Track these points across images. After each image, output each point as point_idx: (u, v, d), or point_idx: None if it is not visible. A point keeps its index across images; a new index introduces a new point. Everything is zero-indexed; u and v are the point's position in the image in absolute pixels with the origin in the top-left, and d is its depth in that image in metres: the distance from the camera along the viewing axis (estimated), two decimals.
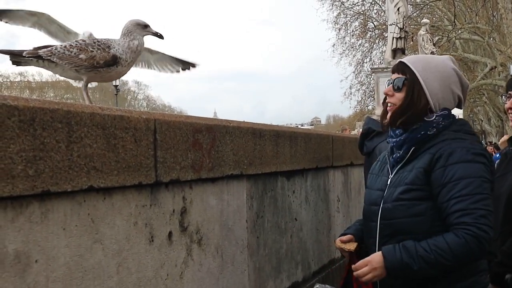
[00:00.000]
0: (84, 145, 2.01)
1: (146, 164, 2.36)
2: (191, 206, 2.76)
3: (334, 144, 5.04)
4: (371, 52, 37.26)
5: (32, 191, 1.79)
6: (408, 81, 2.65)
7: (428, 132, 2.62)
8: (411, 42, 25.82)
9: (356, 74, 37.71)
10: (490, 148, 17.60)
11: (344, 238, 2.92)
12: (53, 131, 1.87)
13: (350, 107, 40.27)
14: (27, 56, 2.86)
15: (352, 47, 37.43)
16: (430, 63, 2.70)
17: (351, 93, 37.96)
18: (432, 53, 23.27)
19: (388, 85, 2.75)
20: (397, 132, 2.72)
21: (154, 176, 2.41)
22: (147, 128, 2.38)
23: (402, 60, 2.76)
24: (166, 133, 2.51)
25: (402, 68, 2.71)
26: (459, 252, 2.40)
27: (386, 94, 2.74)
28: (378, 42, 36.55)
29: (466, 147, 2.53)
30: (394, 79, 2.71)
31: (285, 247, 3.96)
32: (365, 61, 37.43)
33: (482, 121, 44.20)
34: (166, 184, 2.55)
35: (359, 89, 38.18)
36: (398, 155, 2.71)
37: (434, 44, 25.09)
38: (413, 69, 2.66)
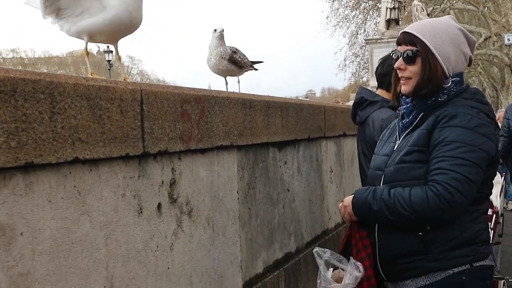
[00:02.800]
0: (68, 116, 1.98)
1: (133, 135, 2.33)
2: (181, 177, 2.74)
3: (326, 114, 5.01)
4: (365, 24, 37.16)
5: (15, 163, 1.76)
6: (421, 52, 2.61)
7: (439, 99, 2.62)
8: (405, 13, 25.70)
9: (350, 46, 37.67)
10: None
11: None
12: (35, 102, 1.84)
13: (345, 79, 40.37)
14: None
15: (345, 19, 37.32)
16: (436, 29, 2.64)
17: (345, 65, 37.99)
18: None
19: (396, 58, 2.71)
20: (407, 99, 2.72)
21: (141, 147, 2.39)
22: (133, 99, 2.34)
23: (407, 30, 2.70)
24: (153, 103, 2.47)
25: (410, 39, 2.66)
26: (416, 205, 2.41)
27: (398, 69, 2.70)
28: (372, 13, 36.43)
29: (470, 114, 2.50)
30: (404, 52, 2.66)
31: (278, 218, 3.95)
32: (359, 32, 37.34)
33: (497, 90, 44.16)
34: (154, 156, 2.53)
35: (353, 61, 38.15)
36: (407, 120, 2.72)
37: (428, 14, 24.95)
38: (422, 38, 2.61)
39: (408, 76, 2.66)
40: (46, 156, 1.88)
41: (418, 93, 2.66)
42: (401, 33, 2.75)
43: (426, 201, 2.40)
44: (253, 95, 3.70)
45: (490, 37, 29.45)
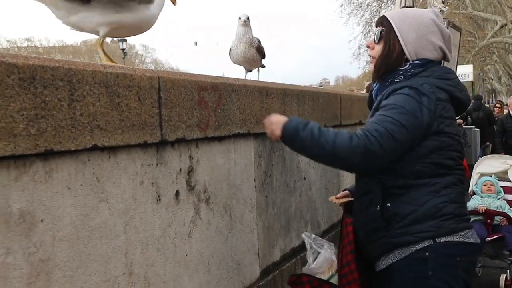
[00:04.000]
0: (87, 103, 1.97)
1: (151, 123, 2.33)
2: (198, 165, 2.74)
3: (342, 102, 4.99)
4: (380, 11, 36.76)
5: (35, 150, 1.76)
6: (385, 32, 2.69)
7: (395, 80, 2.63)
8: (420, 1, 25.47)
9: (364, 34, 37.32)
10: (497, 107, 17.22)
11: (339, 194, 3.07)
12: (54, 89, 1.84)
13: (359, 67, 39.98)
14: None
15: (360, 7, 37.00)
16: (407, 14, 2.72)
17: (359, 53, 37.69)
18: (441, 11, 22.95)
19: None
20: (375, 84, 2.80)
21: (159, 135, 2.39)
22: (151, 86, 2.34)
23: (383, 13, 2.81)
24: (171, 91, 2.47)
25: (381, 20, 2.76)
26: (340, 143, 2.39)
27: (368, 47, 2.80)
28: (387, 1, 36.09)
29: (410, 85, 2.52)
30: (375, 32, 2.77)
31: (294, 206, 3.95)
32: (373, 20, 36.90)
33: (492, 79, 43.85)
34: (172, 143, 2.53)
35: (367, 49, 37.85)
36: (376, 101, 2.74)
37: (443, 2, 24.71)
38: (390, 20, 2.69)
39: (373, 55, 2.75)
40: (65, 143, 1.88)
41: (377, 72, 2.72)
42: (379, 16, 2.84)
43: (348, 141, 2.39)
44: (270, 83, 3.68)
45: (506, 24, 29.09)
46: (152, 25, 2.84)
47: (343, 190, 3.11)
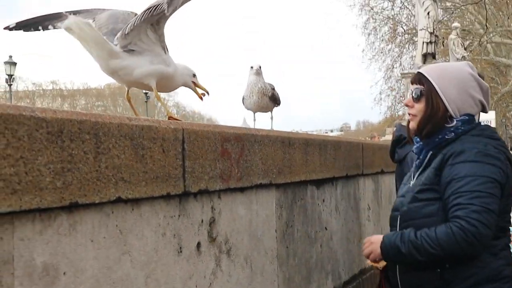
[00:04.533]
0: (112, 156, 2.00)
1: (175, 175, 2.34)
2: (220, 216, 2.74)
3: (364, 151, 4.98)
4: (401, 57, 36.99)
5: (60, 203, 1.78)
6: (426, 90, 2.70)
7: (446, 136, 2.66)
8: (442, 47, 25.57)
9: (386, 80, 37.47)
10: None
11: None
12: (81, 142, 1.86)
13: (380, 112, 40.08)
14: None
15: (381, 52, 37.21)
16: (446, 70, 2.74)
17: (381, 99, 37.72)
18: (463, 57, 23.02)
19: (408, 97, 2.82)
20: (418, 139, 2.82)
21: (182, 187, 2.39)
22: (175, 138, 2.36)
23: (419, 70, 2.81)
24: (195, 142, 2.49)
25: (419, 78, 2.76)
26: (444, 242, 2.43)
27: (407, 105, 2.81)
28: (408, 47, 36.28)
29: (477, 148, 2.54)
30: (413, 90, 2.77)
31: (315, 257, 3.91)
32: (395, 66, 37.16)
33: (506, 127, 43.54)
34: (195, 194, 2.53)
35: (389, 94, 37.87)
36: (418, 160, 2.79)
37: (465, 48, 24.81)
38: (429, 78, 2.70)
39: (414, 113, 2.76)
40: (90, 196, 1.89)
41: (421, 131, 2.73)
42: (415, 73, 2.83)
43: (452, 237, 2.41)
44: (292, 133, 3.70)
45: None
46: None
47: None
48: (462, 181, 2.47)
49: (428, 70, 2.75)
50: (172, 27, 3.02)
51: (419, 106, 2.72)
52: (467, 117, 2.66)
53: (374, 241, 2.76)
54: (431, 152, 2.71)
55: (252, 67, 4.08)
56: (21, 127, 1.65)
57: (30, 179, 1.67)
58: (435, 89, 2.66)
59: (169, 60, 2.86)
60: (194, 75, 3.06)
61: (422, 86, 2.72)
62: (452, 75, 2.68)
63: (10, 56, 28.29)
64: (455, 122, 2.65)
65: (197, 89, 3.11)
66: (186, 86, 3.10)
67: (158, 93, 2.93)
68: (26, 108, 1.72)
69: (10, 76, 28.91)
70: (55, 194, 1.75)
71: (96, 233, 1.97)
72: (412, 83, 2.80)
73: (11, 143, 1.61)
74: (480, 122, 2.74)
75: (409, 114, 2.80)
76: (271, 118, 4.33)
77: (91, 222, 1.94)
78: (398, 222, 2.75)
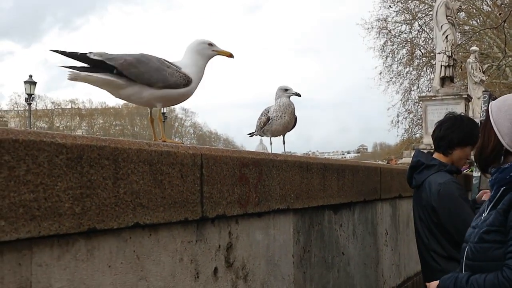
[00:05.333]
0: (131, 181, 2.00)
1: (192, 200, 2.34)
2: (237, 241, 2.73)
3: (382, 176, 4.95)
4: (419, 80, 36.96)
5: (78, 229, 1.78)
6: (484, 122, 2.66)
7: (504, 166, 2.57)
8: (460, 70, 25.49)
9: (403, 102, 37.40)
10: None
11: None
12: (100, 168, 1.87)
13: (397, 135, 39.75)
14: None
15: (399, 75, 37.20)
16: (505, 102, 2.64)
17: (398, 121, 37.62)
18: (481, 81, 22.93)
19: None
20: (492, 171, 2.70)
21: (200, 212, 2.39)
22: (194, 164, 2.36)
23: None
24: (213, 168, 2.49)
25: (487, 109, 2.70)
26: None
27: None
28: (426, 70, 36.26)
29: None
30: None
31: (332, 282, 3.88)
32: (412, 89, 37.12)
33: None
34: (212, 220, 2.53)
35: (406, 117, 37.79)
36: (491, 194, 2.70)
37: (483, 72, 24.71)
38: (489, 109, 2.64)
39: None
40: (108, 222, 1.90)
41: (477, 163, 2.71)
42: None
43: (497, 286, 2.38)
44: (310, 157, 3.69)
45: None
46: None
47: None
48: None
49: (494, 101, 2.68)
50: None
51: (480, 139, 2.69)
52: None
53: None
54: (503, 188, 2.59)
55: (286, 90, 4.09)
56: (41, 153, 1.66)
57: (49, 205, 1.67)
58: (491, 122, 2.58)
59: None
60: (211, 44, 3.05)
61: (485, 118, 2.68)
62: (509, 107, 2.57)
63: (30, 76, 28.62)
64: None
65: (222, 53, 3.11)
66: (210, 59, 3.08)
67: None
68: (46, 134, 1.73)
69: (30, 95, 29.22)
70: (73, 219, 1.76)
71: (114, 258, 1.96)
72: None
73: (31, 169, 1.62)
74: None
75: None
76: (284, 142, 4.33)
77: (108, 247, 1.94)
78: (465, 257, 2.69)
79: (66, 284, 1.76)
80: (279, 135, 4.26)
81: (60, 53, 2.53)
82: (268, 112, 4.17)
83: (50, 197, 1.68)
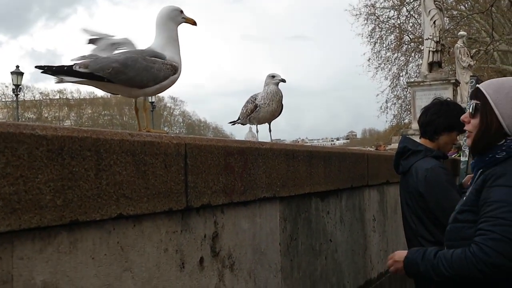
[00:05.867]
0: (113, 172, 1.99)
1: (177, 190, 2.33)
2: (223, 230, 2.72)
3: (369, 162, 4.96)
4: (407, 66, 37.03)
5: (60, 221, 1.77)
6: (481, 106, 2.61)
7: (497, 156, 2.56)
8: (448, 55, 25.54)
9: (392, 88, 37.48)
10: None
11: None
12: (81, 159, 1.86)
13: (386, 121, 39.94)
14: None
15: (387, 61, 37.24)
16: (503, 85, 2.63)
17: (387, 107, 37.72)
18: (469, 65, 22.98)
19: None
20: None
21: (184, 202, 2.38)
22: (178, 153, 2.35)
23: (478, 85, 2.74)
24: (197, 157, 2.48)
25: (476, 93, 2.68)
26: (457, 266, 2.46)
27: (463, 121, 2.73)
28: (414, 55, 36.32)
29: None
30: (470, 105, 2.69)
31: (320, 269, 3.89)
32: (401, 74, 37.20)
33: None
34: (197, 209, 2.52)
35: (395, 103, 37.89)
36: (472, 177, 2.77)
37: (471, 57, 24.75)
38: (484, 92, 2.61)
39: (470, 130, 2.68)
40: (91, 213, 1.88)
41: (476, 147, 2.66)
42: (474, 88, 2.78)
43: (464, 262, 2.42)
44: (296, 145, 3.69)
45: None
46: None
47: None
48: (491, 206, 2.41)
49: (485, 85, 2.67)
50: None
51: (475, 122, 2.64)
52: None
53: (397, 259, 2.82)
54: (481, 170, 2.63)
55: (274, 76, 4.08)
56: (21, 145, 1.65)
57: (30, 198, 1.66)
58: (490, 104, 2.56)
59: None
60: (181, 11, 3.04)
61: (478, 101, 2.63)
62: (510, 89, 2.56)
63: (17, 66, 28.43)
64: (509, 140, 2.55)
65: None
66: (179, 24, 3.06)
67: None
68: (26, 126, 1.71)
69: (17, 86, 29.04)
70: (55, 212, 1.74)
71: (97, 250, 1.96)
72: (470, 99, 2.73)
73: (10, 162, 1.61)
74: None
75: (466, 130, 2.72)
76: (270, 130, 4.32)
77: (91, 239, 1.94)
78: (445, 239, 2.76)
79: (48, 276, 1.75)
80: (265, 123, 4.25)
81: (47, 70, 2.51)
82: (255, 99, 4.16)
83: (31, 190, 1.67)
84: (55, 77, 2.57)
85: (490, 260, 2.35)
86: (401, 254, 2.81)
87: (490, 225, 2.38)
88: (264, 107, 4.09)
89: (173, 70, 2.85)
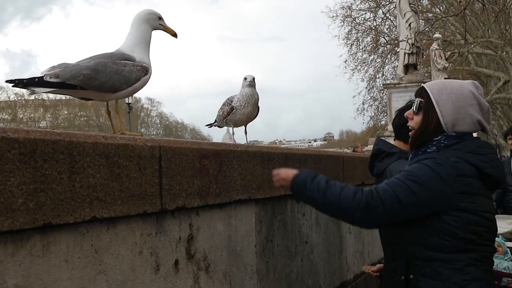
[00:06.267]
0: (87, 175, 1.98)
1: (151, 192, 2.33)
2: (198, 232, 2.72)
3: (344, 164, 4.99)
4: (384, 67, 37.19)
5: (33, 225, 1.76)
6: (424, 103, 2.71)
7: (428, 150, 2.67)
8: (423, 57, 25.74)
9: (368, 90, 37.61)
10: None
11: (376, 267, 3.47)
12: (54, 162, 1.85)
13: (363, 122, 39.97)
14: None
15: (364, 63, 37.36)
16: (446, 86, 2.73)
17: (364, 109, 37.82)
18: (444, 68, 23.20)
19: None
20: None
21: (159, 204, 2.38)
22: (152, 156, 2.35)
23: (423, 84, 2.84)
24: (172, 160, 2.48)
25: (421, 91, 2.78)
26: (344, 197, 2.53)
27: (407, 117, 2.83)
28: (390, 57, 36.47)
29: (435, 158, 2.56)
30: (414, 103, 2.78)
31: (296, 271, 3.90)
32: (377, 76, 37.34)
33: (496, 135, 43.91)
34: (172, 212, 2.52)
35: (371, 104, 38.04)
36: None
37: (446, 59, 24.98)
38: (428, 91, 2.71)
39: (413, 126, 2.78)
40: (64, 216, 1.88)
41: (414, 143, 2.77)
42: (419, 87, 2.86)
43: (352, 195, 2.52)
44: (272, 147, 3.70)
45: (509, 81, 29.32)
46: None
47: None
48: (401, 174, 2.58)
49: (430, 84, 2.78)
50: None
51: (417, 119, 2.74)
52: (454, 134, 2.64)
53: (284, 176, 2.76)
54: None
55: (246, 78, 4.08)
56: None
57: (2, 201, 1.65)
58: (432, 103, 2.67)
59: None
60: (160, 18, 3.02)
61: (422, 99, 2.73)
62: (451, 90, 2.67)
63: None
64: (440, 136, 2.65)
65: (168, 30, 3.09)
66: (155, 29, 3.03)
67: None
68: None
69: None
70: (27, 215, 1.74)
71: (71, 253, 1.95)
72: (415, 97, 2.82)
73: None
74: (471, 137, 2.70)
75: (409, 126, 2.81)
76: (246, 132, 4.32)
77: (65, 242, 1.93)
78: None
79: (21, 280, 1.74)
80: (242, 125, 4.25)
81: (17, 83, 2.49)
82: (231, 101, 4.15)
83: (2, 193, 1.66)
84: (27, 89, 2.54)
85: (372, 202, 2.48)
86: (288, 172, 2.76)
87: (388, 182, 2.56)
88: (240, 110, 4.08)
89: (144, 71, 2.85)
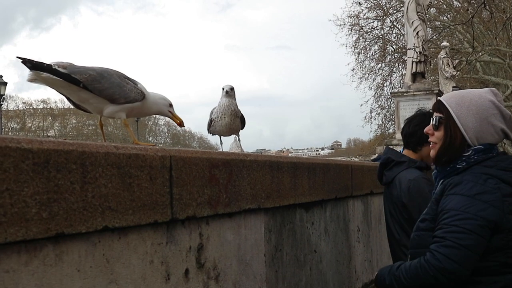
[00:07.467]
0: (99, 185, 2.00)
1: (162, 202, 2.34)
2: (208, 242, 2.74)
3: (353, 173, 5.00)
4: (391, 76, 37.26)
5: (46, 234, 1.78)
6: (444, 119, 2.67)
7: (457, 166, 2.63)
8: (431, 66, 25.74)
9: (376, 98, 37.66)
10: None
11: None
12: (67, 172, 1.87)
13: (371, 131, 39.99)
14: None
15: (371, 71, 37.44)
16: (464, 98, 2.67)
17: (371, 117, 37.86)
18: (452, 76, 23.20)
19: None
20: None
21: (170, 214, 2.40)
22: (163, 166, 2.36)
23: (439, 98, 2.79)
24: (182, 169, 2.49)
25: (438, 106, 2.74)
26: (411, 274, 2.56)
27: (427, 133, 2.79)
28: (398, 66, 36.54)
29: (474, 181, 2.50)
30: (433, 118, 2.76)
31: (305, 280, 3.91)
32: (385, 84, 37.40)
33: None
34: (182, 221, 2.53)
35: (379, 113, 38.06)
36: (435, 186, 2.81)
37: (454, 67, 24.97)
38: (447, 106, 2.67)
39: (434, 141, 2.75)
40: (77, 226, 1.89)
41: (439, 159, 2.73)
42: (436, 101, 2.84)
43: (419, 270, 2.50)
44: (280, 156, 3.71)
45: None
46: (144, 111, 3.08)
47: None
48: (447, 214, 2.48)
49: (447, 98, 2.72)
50: None
51: (439, 134, 2.70)
52: (482, 147, 2.60)
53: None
54: (442, 181, 2.70)
55: (223, 88, 4.04)
56: (6, 159, 1.66)
57: (16, 211, 1.67)
58: (453, 118, 2.63)
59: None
60: (171, 105, 3.10)
61: (441, 114, 2.69)
62: (471, 102, 2.62)
63: (1, 76, 28.23)
64: (469, 151, 2.61)
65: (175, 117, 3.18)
66: (162, 115, 3.18)
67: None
68: (12, 139, 1.72)
69: (1, 96, 28.82)
70: (41, 225, 1.75)
71: (83, 262, 1.96)
72: (434, 111, 2.79)
73: None
74: (500, 152, 2.66)
75: (430, 141, 2.79)
76: (239, 140, 4.32)
77: (77, 251, 1.94)
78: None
79: None
80: (230, 135, 4.23)
81: (26, 62, 2.51)
82: (212, 113, 4.11)
83: (17, 203, 1.68)
84: (31, 72, 2.56)
85: (441, 265, 2.42)
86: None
87: (444, 232, 2.47)
88: (217, 121, 4.06)
89: (142, 96, 2.89)
